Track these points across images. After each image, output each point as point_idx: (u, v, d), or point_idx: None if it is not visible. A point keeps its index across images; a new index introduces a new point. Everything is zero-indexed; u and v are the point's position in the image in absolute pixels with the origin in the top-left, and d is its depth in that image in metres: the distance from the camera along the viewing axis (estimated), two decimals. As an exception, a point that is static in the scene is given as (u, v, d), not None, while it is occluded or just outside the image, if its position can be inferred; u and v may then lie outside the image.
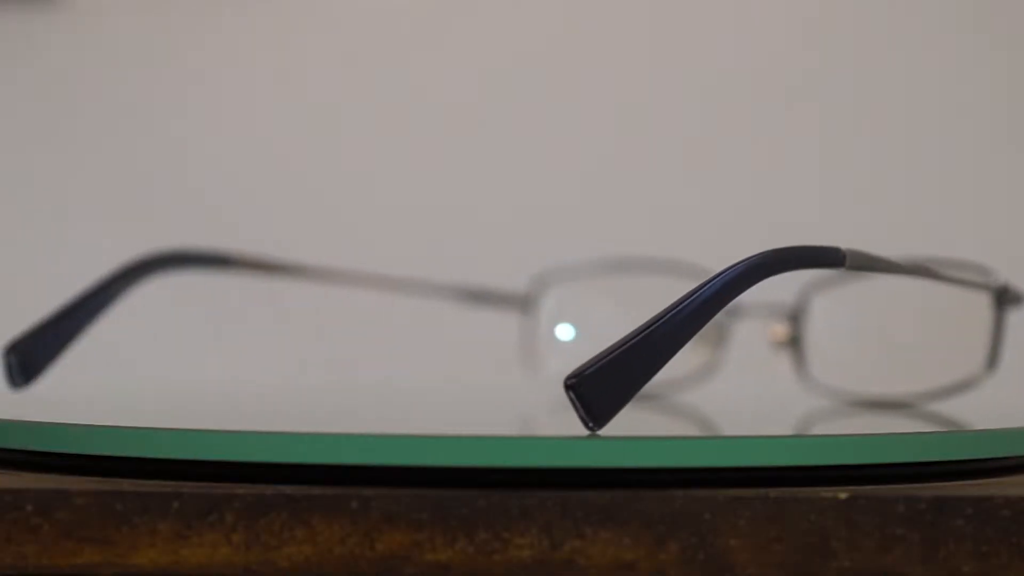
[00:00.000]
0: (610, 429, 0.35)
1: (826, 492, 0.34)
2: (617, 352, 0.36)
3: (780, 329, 0.50)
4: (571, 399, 0.35)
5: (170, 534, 0.34)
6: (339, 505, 0.33)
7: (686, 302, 0.37)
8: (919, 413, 0.47)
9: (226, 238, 0.80)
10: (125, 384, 0.76)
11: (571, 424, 0.35)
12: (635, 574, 0.33)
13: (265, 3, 0.81)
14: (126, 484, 0.34)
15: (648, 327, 0.36)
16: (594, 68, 0.81)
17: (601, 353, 0.36)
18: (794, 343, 0.50)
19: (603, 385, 0.35)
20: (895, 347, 0.50)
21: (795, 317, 0.50)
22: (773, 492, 0.34)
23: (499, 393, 0.61)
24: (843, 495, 0.34)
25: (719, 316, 0.50)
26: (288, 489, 0.34)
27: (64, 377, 0.51)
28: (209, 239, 0.80)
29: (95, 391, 0.54)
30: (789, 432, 0.41)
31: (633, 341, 0.36)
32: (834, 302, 0.49)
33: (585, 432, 0.35)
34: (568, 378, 0.35)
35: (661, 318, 0.36)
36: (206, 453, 0.35)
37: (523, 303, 0.56)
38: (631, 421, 0.48)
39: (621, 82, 0.81)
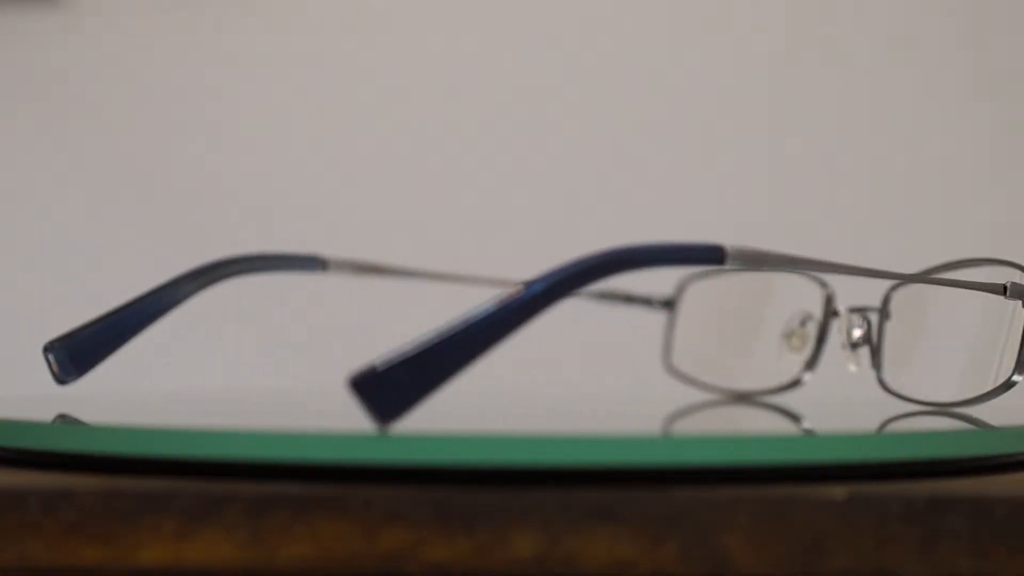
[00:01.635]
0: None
1: (824, 491, 0.34)
2: (407, 351, 0.36)
3: (855, 331, 0.49)
4: (354, 397, 0.35)
5: (173, 532, 0.34)
6: (340, 504, 0.34)
7: (520, 295, 0.37)
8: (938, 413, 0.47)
9: (230, 239, 0.80)
10: (163, 386, 0.75)
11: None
12: (634, 572, 0.34)
13: (267, 2, 0.82)
14: (129, 482, 0.34)
15: (453, 325, 0.36)
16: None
17: (394, 351, 0.36)
18: (865, 344, 0.48)
19: (390, 383, 0.35)
20: (943, 350, 0.49)
21: (872, 319, 0.49)
22: (771, 491, 0.34)
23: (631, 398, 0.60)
24: (841, 494, 0.34)
25: (826, 316, 0.49)
26: (290, 488, 0.34)
27: (116, 375, 0.51)
28: (210, 239, 0.80)
29: (130, 391, 0.54)
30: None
31: (427, 340, 0.36)
32: (902, 304, 0.48)
33: (589, 431, 0.35)
34: (350, 376, 0.35)
35: (473, 315, 0.36)
36: (208, 452, 0.35)
37: (667, 303, 0.55)
38: (725, 420, 0.48)
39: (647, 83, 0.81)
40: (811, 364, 0.50)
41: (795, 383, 0.51)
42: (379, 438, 0.35)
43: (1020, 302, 0.43)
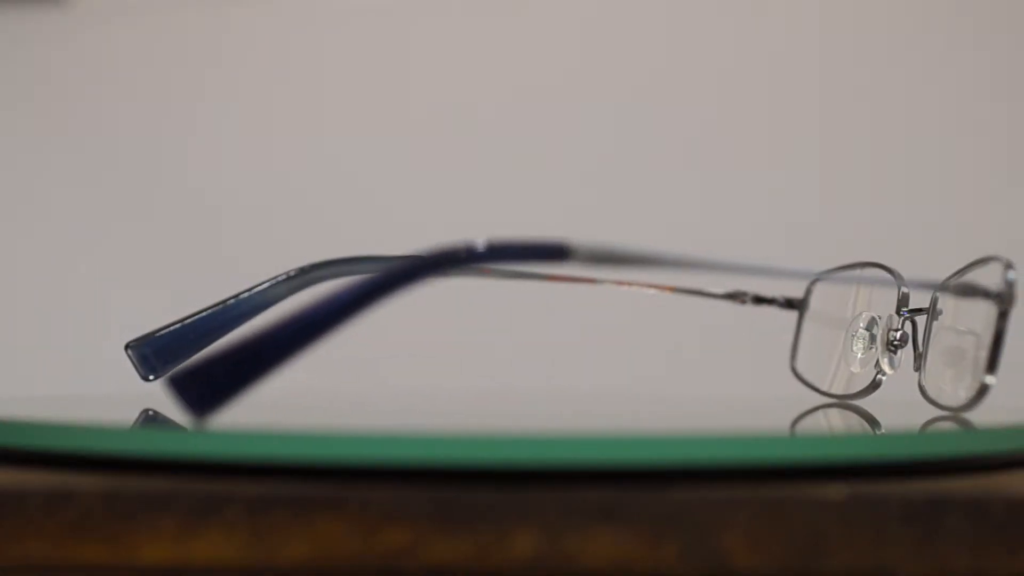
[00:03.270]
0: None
1: (823, 490, 0.34)
2: (225, 349, 0.37)
3: (895, 332, 0.48)
4: (169, 392, 0.37)
5: (173, 532, 0.34)
6: (340, 504, 0.34)
7: (340, 295, 0.37)
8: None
9: (229, 240, 0.80)
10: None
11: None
12: (634, 572, 0.34)
13: (266, 3, 0.82)
14: (130, 482, 0.35)
15: (277, 324, 0.37)
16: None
17: (210, 350, 0.37)
18: (904, 346, 0.48)
19: (205, 380, 0.37)
20: (972, 355, 0.48)
21: (919, 321, 0.48)
22: (770, 490, 0.34)
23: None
24: (840, 493, 0.34)
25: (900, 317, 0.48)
26: (290, 488, 0.34)
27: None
28: (208, 239, 0.80)
29: (133, 392, 0.54)
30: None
31: (242, 338, 0.37)
32: (950, 307, 0.47)
33: (589, 430, 0.35)
34: (170, 374, 0.37)
35: (292, 313, 0.37)
36: (208, 451, 0.35)
37: (799, 304, 0.54)
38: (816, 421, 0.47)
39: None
40: (888, 365, 0.49)
41: (874, 386, 0.50)
42: (379, 438, 0.35)
43: (994, 303, 0.42)
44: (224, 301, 0.52)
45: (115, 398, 0.53)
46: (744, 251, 0.78)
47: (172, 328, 0.52)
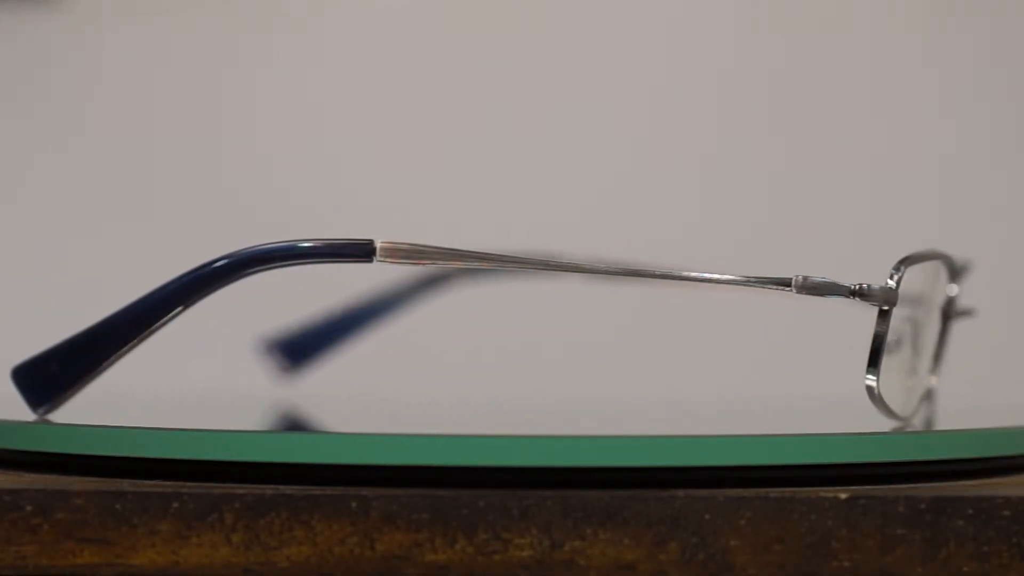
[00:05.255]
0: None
1: (826, 492, 0.34)
2: (60, 344, 0.38)
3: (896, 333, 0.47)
4: (15, 387, 0.38)
5: (170, 534, 0.34)
6: (339, 505, 0.33)
7: (158, 293, 0.39)
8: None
9: (232, 240, 0.80)
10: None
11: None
12: (635, 574, 0.33)
13: (266, 3, 0.82)
14: (126, 484, 0.34)
15: (105, 320, 0.38)
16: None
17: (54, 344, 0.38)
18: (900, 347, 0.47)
19: (42, 374, 0.38)
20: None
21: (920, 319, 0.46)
22: (773, 492, 0.34)
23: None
24: (843, 495, 0.34)
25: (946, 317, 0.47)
26: (288, 489, 0.34)
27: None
28: (207, 240, 0.80)
29: (129, 391, 0.54)
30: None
31: (80, 334, 0.38)
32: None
33: (588, 432, 0.35)
34: (13, 368, 0.38)
35: (121, 310, 0.38)
36: (205, 453, 0.35)
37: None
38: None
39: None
40: (935, 369, 0.48)
41: (928, 392, 0.49)
42: (379, 439, 0.35)
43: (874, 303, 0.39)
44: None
45: (112, 398, 0.53)
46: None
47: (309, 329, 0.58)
